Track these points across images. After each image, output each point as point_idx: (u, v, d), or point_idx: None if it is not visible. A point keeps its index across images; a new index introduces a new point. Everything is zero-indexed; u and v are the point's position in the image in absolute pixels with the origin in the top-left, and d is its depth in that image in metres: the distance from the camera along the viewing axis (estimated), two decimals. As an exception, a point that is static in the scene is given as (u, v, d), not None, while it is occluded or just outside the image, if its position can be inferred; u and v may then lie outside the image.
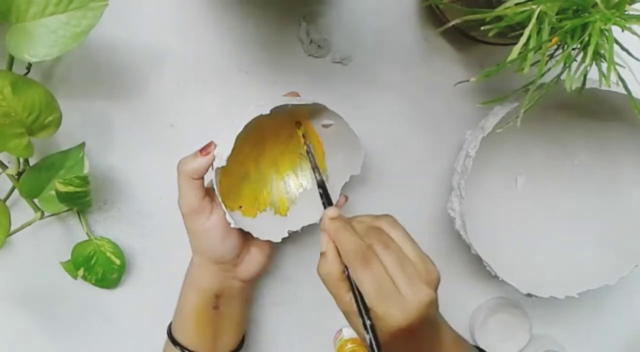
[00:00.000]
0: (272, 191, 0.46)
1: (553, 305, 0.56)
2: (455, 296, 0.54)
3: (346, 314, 0.38)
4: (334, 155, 0.46)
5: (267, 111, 0.37)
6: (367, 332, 0.35)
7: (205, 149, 0.39)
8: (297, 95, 0.43)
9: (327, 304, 0.51)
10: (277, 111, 0.38)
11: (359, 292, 0.36)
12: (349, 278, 0.37)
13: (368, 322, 0.35)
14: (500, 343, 0.55)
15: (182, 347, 0.42)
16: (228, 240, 0.41)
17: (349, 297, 0.37)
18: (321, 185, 0.42)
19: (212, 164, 0.39)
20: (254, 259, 0.44)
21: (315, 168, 0.43)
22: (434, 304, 0.36)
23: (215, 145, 0.39)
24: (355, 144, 0.43)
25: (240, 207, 0.43)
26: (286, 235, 0.44)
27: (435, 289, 0.36)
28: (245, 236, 0.43)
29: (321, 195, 0.42)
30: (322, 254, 0.38)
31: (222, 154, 0.38)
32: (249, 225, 0.41)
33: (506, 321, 0.54)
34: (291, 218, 0.46)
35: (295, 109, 0.41)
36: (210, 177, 0.40)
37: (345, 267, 0.37)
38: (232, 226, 0.39)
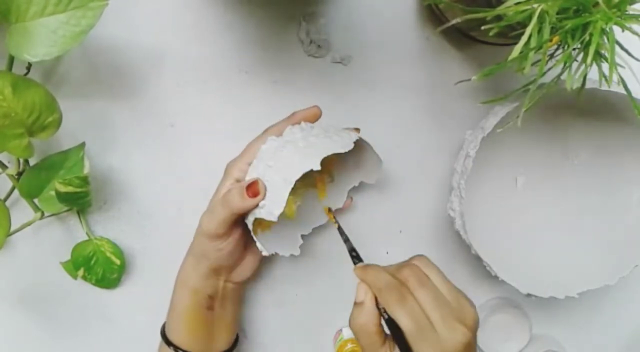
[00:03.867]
0: None
1: (553, 305, 0.56)
2: (455, 296, 0.54)
3: None
4: (344, 159, 0.45)
5: (317, 166, 0.36)
6: None
7: (252, 190, 0.38)
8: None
9: (327, 304, 0.52)
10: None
11: (399, 330, 0.35)
12: (387, 322, 0.36)
13: None
14: (500, 343, 0.55)
15: (175, 347, 0.42)
16: (234, 254, 0.42)
17: (383, 350, 0.36)
18: (352, 250, 0.42)
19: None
20: (247, 264, 0.44)
21: (347, 240, 0.43)
22: (471, 345, 0.34)
23: (264, 190, 0.38)
24: (374, 161, 0.43)
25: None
26: (302, 242, 0.44)
27: (473, 331, 0.35)
28: (244, 244, 0.43)
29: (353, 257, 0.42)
30: (357, 303, 0.37)
31: (272, 210, 0.37)
32: (272, 245, 0.41)
33: (506, 321, 0.54)
34: (299, 221, 0.46)
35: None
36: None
37: (381, 315, 0.36)
38: (264, 254, 0.39)
